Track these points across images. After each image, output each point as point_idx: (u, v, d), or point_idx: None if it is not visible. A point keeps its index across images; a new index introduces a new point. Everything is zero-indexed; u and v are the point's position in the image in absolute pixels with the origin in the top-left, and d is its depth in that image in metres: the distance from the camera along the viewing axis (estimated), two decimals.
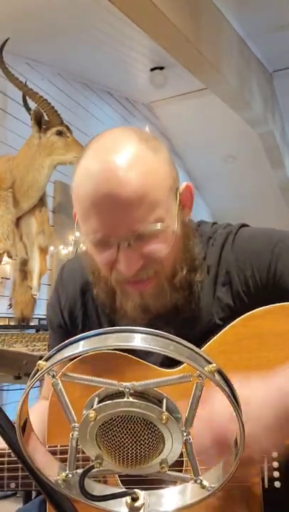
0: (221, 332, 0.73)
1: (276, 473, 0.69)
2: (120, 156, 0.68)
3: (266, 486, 0.69)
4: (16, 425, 0.43)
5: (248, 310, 0.75)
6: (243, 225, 0.83)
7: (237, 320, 0.73)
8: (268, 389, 0.62)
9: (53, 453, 0.71)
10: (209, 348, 0.72)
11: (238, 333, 0.73)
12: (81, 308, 0.86)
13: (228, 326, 0.73)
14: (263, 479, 0.69)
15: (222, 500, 0.68)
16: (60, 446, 0.71)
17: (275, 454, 0.69)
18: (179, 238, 0.74)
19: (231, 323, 0.73)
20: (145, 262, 0.70)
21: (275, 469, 0.69)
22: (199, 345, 0.73)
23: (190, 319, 0.77)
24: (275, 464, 0.69)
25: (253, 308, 0.74)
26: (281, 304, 0.72)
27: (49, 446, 0.72)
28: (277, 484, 0.69)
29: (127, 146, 0.70)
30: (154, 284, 0.73)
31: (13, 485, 0.73)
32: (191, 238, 0.78)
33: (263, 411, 0.60)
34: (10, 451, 0.73)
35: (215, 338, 0.73)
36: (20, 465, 0.73)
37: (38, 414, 0.78)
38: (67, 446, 0.70)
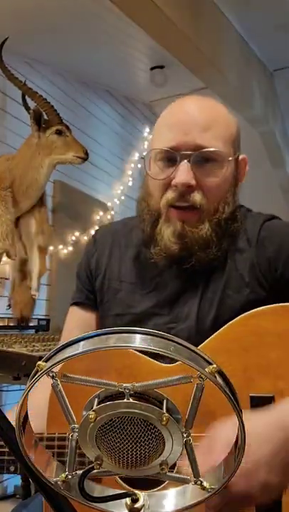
0: (220, 330, 0.74)
1: None
2: (207, 99, 0.87)
3: None
4: (15, 426, 0.43)
5: (256, 292, 0.78)
6: (274, 217, 0.90)
7: (236, 318, 0.74)
8: (267, 423, 0.61)
9: (51, 439, 0.72)
10: (209, 345, 0.73)
11: (238, 332, 0.74)
12: (108, 257, 0.95)
13: (227, 324, 0.74)
14: None
15: None
16: (58, 433, 0.72)
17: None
18: (229, 186, 0.84)
19: (231, 322, 0.74)
20: (196, 185, 0.80)
21: None
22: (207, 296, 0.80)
23: (217, 268, 0.83)
24: None
25: (262, 295, 0.77)
26: (282, 304, 0.73)
27: (48, 433, 0.72)
28: None
29: (208, 98, 0.88)
30: (197, 216, 0.81)
31: (12, 468, 0.73)
32: (236, 196, 0.87)
33: (263, 447, 0.59)
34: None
35: (214, 335, 0.74)
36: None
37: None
38: (64, 433, 0.69)
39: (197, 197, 0.80)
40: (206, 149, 0.79)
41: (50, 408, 0.74)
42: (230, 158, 0.82)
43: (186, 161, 0.79)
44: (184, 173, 0.79)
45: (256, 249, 0.82)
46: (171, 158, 0.81)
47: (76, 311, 0.99)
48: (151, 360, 0.74)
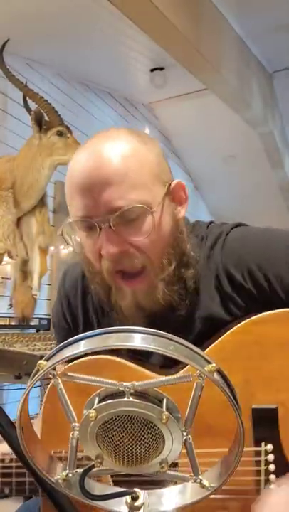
0: (221, 337, 0.71)
1: (272, 477, 0.69)
2: (106, 144, 0.71)
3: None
4: (16, 424, 0.43)
5: (242, 312, 0.74)
6: (238, 225, 0.81)
7: (238, 325, 0.71)
8: None
9: None
10: (210, 354, 0.70)
11: (240, 340, 0.71)
12: (82, 312, 0.87)
13: (228, 332, 0.71)
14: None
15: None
16: (53, 452, 0.71)
17: (270, 457, 0.69)
18: (166, 231, 0.73)
19: (232, 329, 0.71)
20: (129, 249, 0.71)
21: (272, 472, 0.69)
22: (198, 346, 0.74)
23: (188, 317, 0.76)
24: (271, 467, 0.69)
25: (249, 311, 0.73)
26: (285, 310, 0.70)
27: None
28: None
29: (114, 136, 0.73)
30: (145, 281, 0.73)
31: (6, 490, 0.73)
32: (182, 234, 0.77)
33: None
34: (2, 457, 0.73)
35: (215, 343, 0.71)
36: (14, 470, 0.73)
37: None
38: (60, 452, 0.69)
39: (136, 260, 0.71)
40: (123, 209, 0.68)
41: (43, 426, 0.73)
42: (153, 209, 0.70)
43: (105, 227, 0.69)
44: (107, 242, 0.69)
45: (227, 280, 0.75)
46: (90, 226, 0.71)
47: None
48: (145, 370, 0.72)
